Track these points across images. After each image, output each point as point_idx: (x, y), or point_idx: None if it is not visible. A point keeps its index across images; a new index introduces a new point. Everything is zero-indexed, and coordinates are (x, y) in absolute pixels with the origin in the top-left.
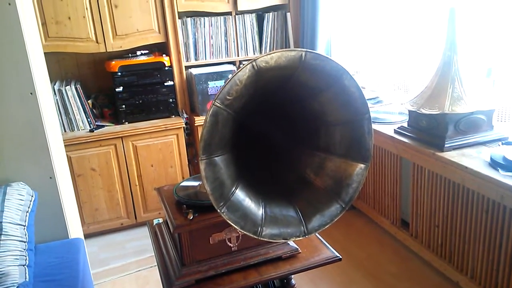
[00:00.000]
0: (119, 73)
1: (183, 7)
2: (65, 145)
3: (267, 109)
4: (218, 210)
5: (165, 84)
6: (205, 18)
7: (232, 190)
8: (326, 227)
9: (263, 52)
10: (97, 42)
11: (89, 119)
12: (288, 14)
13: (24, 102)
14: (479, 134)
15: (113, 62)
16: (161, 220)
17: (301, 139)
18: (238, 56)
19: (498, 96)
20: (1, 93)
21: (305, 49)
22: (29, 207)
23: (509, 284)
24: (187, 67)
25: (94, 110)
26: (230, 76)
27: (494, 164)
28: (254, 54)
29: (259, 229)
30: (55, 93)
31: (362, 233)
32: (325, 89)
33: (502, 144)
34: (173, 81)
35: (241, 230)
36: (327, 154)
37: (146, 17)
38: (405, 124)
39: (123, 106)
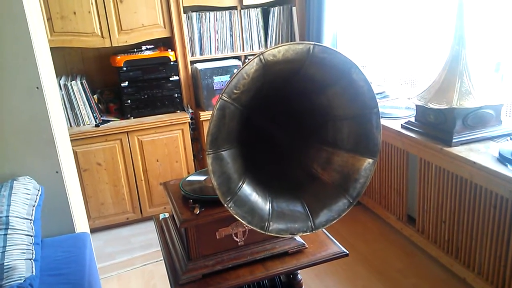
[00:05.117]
0: (125, 68)
1: (188, 1)
2: (71, 140)
3: (274, 103)
4: (225, 205)
5: (171, 79)
6: (210, 12)
7: (239, 185)
8: (333, 222)
9: (268, 47)
10: (102, 37)
11: (94, 114)
12: (294, 8)
13: (30, 96)
14: (487, 129)
15: (119, 57)
16: (167, 215)
17: (309, 134)
18: (243, 51)
19: (507, 91)
20: (7, 87)
21: (313, 42)
22: (35, 201)
23: None
24: (192, 62)
25: (99, 105)
26: (236, 70)
27: (502, 159)
28: (259, 48)
29: (266, 224)
30: (60, 88)
31: (368, 228)
32: (333, 83)
33: (511, 139)
34: (178, 76)
35: (248, 225)
36: (335, 148)
37: (151, 12)
38: (412, 119)
39: (129, 101)
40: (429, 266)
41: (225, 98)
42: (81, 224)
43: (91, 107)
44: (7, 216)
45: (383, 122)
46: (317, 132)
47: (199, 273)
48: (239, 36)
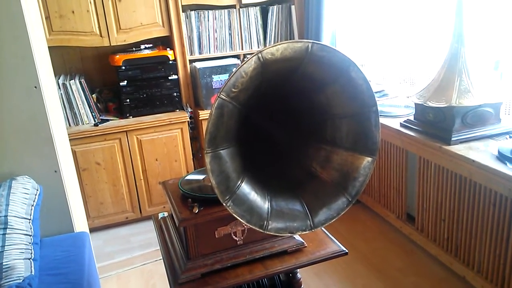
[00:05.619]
0: (123, 67)
1: (187, 0)
2: (69, 139)
3: (273, 101)
4: (224, 204)
5: (169, 78)
6: (209, 11)
7: (238, 184)
8: (332, 220)
9: (267, 46)
10: (101, 36)
11: (93, 113)
12: (293, 7)
13: (28, 95)
14: (486, 127)
15: (117, 56)
16: (166, 214)
17: (307, 132)
18: (242, 49)
19: (506, 89)
20: (5, 87)
21: (311, 40)
22: (34, 201)
23: None
24: (191, 61)
25: (98, 104)
26: (235, 68)
27: (501, 157)
28: (258, 47)
29: (265, 223)
30: (59, 87)
31: (367, 227)
32: (332, 81)
33: (510, 137)
34: (177, 75)
35: (247, 224)
36: (334, 147)
37: (150, 11)
38: (411, 118)
39: (128, 100)
40: (429, 265)
41: (223, 97)
42: (80, 223)
43: (90, 106)
44: (5, 216)
45: (382, 120)
46: (316, 131)
47: (198, 272)
48: (238, 35)
